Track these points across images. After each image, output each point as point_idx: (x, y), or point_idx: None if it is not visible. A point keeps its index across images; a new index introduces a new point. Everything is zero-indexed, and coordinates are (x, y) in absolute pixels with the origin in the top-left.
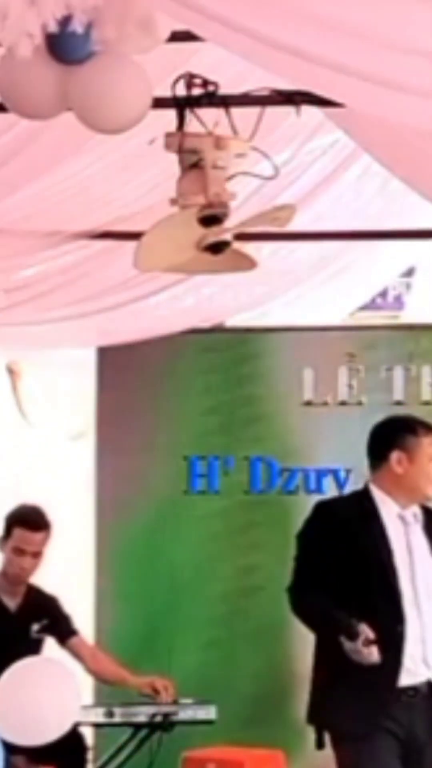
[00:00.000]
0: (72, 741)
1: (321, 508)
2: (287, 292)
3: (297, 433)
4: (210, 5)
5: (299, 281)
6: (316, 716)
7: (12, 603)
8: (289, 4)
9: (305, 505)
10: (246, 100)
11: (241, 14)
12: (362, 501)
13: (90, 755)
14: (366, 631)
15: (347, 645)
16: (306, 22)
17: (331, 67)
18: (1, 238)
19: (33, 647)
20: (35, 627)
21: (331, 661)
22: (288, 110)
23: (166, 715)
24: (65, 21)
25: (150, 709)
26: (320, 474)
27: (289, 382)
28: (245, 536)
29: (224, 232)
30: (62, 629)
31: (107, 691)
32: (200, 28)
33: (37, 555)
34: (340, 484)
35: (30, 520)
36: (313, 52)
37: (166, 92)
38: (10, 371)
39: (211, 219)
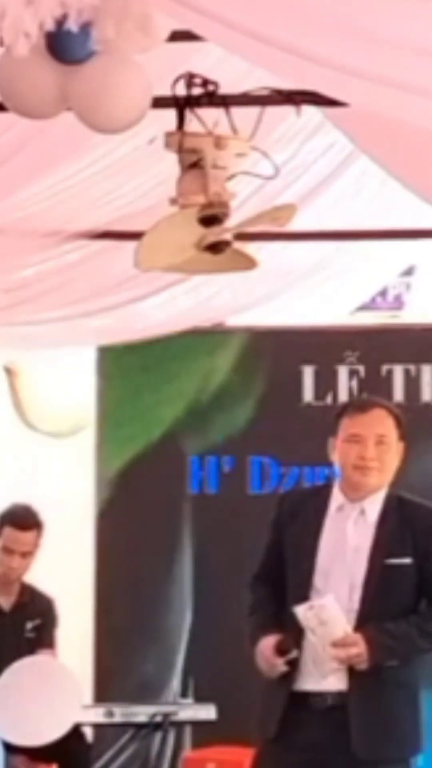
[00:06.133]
0: (74, 740)
1: None
2: (287, 292)
3: (297, 433)
4: (210, 5)
5: (299, 281)
6: None
7: (5, 602)
8: (290, 3)
9: None
10: (246, 99)
11: (241, 14)
12: None
13: (92, 754)
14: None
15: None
16: (307, 22)
17: (333, 66)
18: (1, 238)
19: (27, 646)
20: (29, 626)
21: None
22: (288, 110)
23: (166, 715)
24: (64, 20)
25: (150, 709)
26: (320, 474)
27: (289, 382)
28: (245, 537)
29: (224, 232)
30: (43, 637)
31: (107, 690)
32: (200, 28)
33: (26, 555)
34: None
35: (19, 519)
36: (314, 52)
37: (166, 92)
38: (9, 371)
39: (211, 219)
